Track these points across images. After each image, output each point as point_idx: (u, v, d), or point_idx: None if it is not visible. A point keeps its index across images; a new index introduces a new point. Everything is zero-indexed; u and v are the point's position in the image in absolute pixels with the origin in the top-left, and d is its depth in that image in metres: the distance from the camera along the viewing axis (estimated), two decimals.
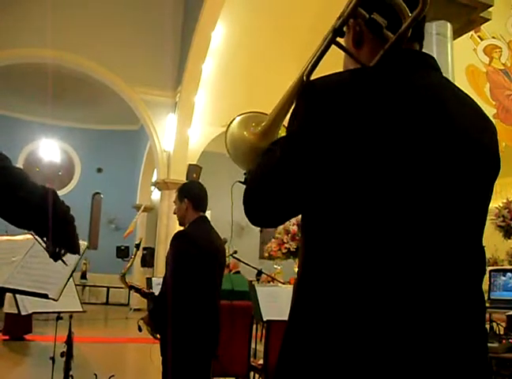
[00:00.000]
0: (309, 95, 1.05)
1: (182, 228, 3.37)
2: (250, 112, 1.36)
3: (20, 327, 8.56)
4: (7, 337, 8.63)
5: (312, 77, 1.13)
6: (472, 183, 1.06)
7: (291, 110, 1.15)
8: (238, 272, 9.80)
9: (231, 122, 1.35)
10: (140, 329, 3.35)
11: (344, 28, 1.14)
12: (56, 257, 1.51)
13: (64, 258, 1.55)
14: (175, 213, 3.40)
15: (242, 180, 1.25)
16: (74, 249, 1.54)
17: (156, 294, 3.41)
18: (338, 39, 1.14)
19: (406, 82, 1.06)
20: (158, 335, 3.25)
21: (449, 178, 1.02)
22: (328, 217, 1.01)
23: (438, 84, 1.11)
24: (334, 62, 1.31)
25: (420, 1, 1.04)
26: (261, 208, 1.11)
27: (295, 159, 1.03)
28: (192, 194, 3.29)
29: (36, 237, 1.48)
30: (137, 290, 3.64)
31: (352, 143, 0.98)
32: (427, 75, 1.10)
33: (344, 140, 0.98)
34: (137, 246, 4.02)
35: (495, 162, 1.13)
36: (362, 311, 0.94)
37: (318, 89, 1.04)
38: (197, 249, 3.06)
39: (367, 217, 0.97)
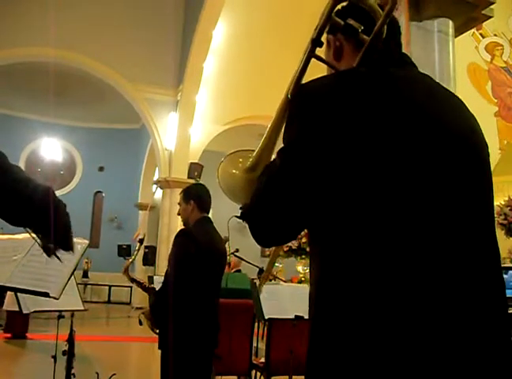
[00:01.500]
0: (301, 100, 1.05)
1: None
2: (231, 153, 1.34)
3: (19, 325, 8.58)
4: (9, 335, 8.66)
5: None
6: (469, 175, 1.06)
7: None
8: (238, 271, 9.81)
9: (217, 171, 1.33)
10: (140, 323, 3.39)
11: (325, 45, 1.18)
12: (49, 251, 1.52)
13: (59, 255, 1.57)
14: (179, 214, 3.45)
15: (239, 215, 1.21)
16: (69, 246, 1.55)
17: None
18: (318, 52, 1.16)
19: (390, 78, 1.07)
20: (157, 331, 3.28)
21: (448, 173, 1.02)
22: (337, 222, 1.00)
23: (420, 80, 1.14)
24: None
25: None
26: (269, 223, 1.07)
27: (298, 166, 1.01)
28: (198, 196, 3.37)
29: (31, 233, 1.49)
30: (139, 284, 3.69)
31: (349, 144, 0.98)
32: (408, 71, 1.14)
33: (342, 141, 0.98)
34: (141, 242, 4.04)
35: (486, 150, 1.14)
36: (384, 312, 0.94)
37: (309, 93, 1.05)
38: (198, 247, 3.09)
39: (376, 219, 0.97)
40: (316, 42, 1.14)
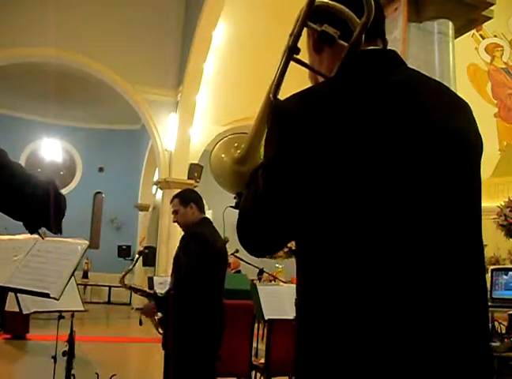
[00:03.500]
0: (278, 118, 1.05)
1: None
2: (230, 135, 1.37)
3: (19, 325, 8.55)
4: (9, 336, 8.63)
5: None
6: (458, 177, 1.04)
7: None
8: (238, 271, 9.81)
9: (211, 151, 1.35)
10: (141, 323, 3.38)
11: (306, 34, 1.15)
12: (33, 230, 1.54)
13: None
14: (175, 222, 3.42)
15: (233, 205, 1.26)
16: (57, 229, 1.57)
17: (160, 291, 3.43)
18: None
19: (371, 85, 1.04)
20: (161, 331, 3.28)
21: (435, 178, 1.01)
22: (321, 233, 1.00)
23: (406, 78, 1.09)
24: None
25: (365, 9, 1.04)
26: (256, 239, 1.11)
27: (278, 186, 1.02)
28: (196, 199, 3.40)
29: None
30: (139, 291, 3.64)
31: (330, 158, 0.97)
32: (392, 71, 1.09)
33: (322, 158, 0.98)
34: (140, 253, 4.07)
35: (477, 148, 1.11)
36: (367, 320, 0.94)
37: (285, 111, 1.04)
38: (209, 249, 3.10)
39: (360, 229, 0.96)
40: (292, 49, 1.12)
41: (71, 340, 3.78)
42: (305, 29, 1.14)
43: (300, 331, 1.05)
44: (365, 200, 0.96)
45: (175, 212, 3.40)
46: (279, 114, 1.05)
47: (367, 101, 1.01)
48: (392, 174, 0.98)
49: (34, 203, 1.42)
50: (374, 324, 0.94)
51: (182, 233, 3.41)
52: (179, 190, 3.69)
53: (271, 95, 1.17)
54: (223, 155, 1.32)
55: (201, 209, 3.39)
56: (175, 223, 3.42)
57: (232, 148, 1.32)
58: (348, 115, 0.99)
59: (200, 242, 3.11)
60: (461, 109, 1.13)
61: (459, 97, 1.15)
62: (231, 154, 1.31)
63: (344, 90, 1.02)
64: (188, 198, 3.38)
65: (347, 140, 0.97)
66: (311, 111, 1.00)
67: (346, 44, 1.08)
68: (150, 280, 4.90)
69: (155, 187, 16.11)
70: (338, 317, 0.96)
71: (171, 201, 3.46)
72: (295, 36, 1.12)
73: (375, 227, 0.96)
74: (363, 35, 1.08)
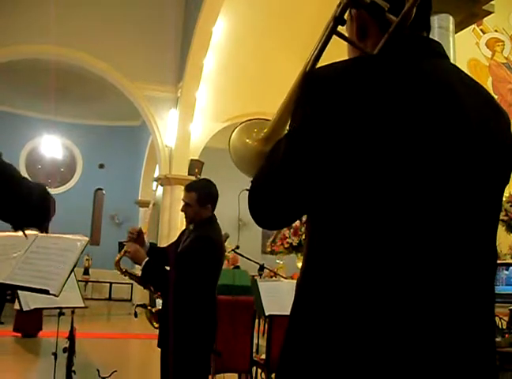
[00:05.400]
0: (310, 85, 1.01)
1: (185, 224, 3.37)
2: (249, 120, 1.32)
3: (31, 324, 8.46)
4: (19, 334, 8.54)
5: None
6: (482, 175, 1.01)
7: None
8: (237, 267, 9.82)
9: (231, 135, 1.30)
10: (136, 315, 3.35)
11: (347, 20, 1.10)
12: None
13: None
14: (182, 211, 3.26)
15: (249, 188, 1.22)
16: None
17: None
18: (340, 28, 1.09)
19: (411, 69, 1.02)
20: (156, 324, 3.26)
21: (458, 170, 0.98)
22: (333, 212, 0.98)
23: (445, 70, 1.06)
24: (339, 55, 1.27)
25: None
26: (268, 207, 1.07)
27: (300, 153, 0.99)
28: (214, 199, 3.23)
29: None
30: (133, 277, 3.61)
31: (357, 133, 0.95)
32: (435, 61, 1.06)
33: (348, 131, 0.95)
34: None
35: (508, 152, 1.08)
36: (366, 307, 0.92)
37: (319, 79, 1.01)
38: (217, 254, 3.09)
39: (373, 212, 0.94)
40: (338, 20, 1.07)
41: (72, 337, 3.78)
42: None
43: (294, 312, 1.03)
44: (382, 183, 0.94)
45: (187, 205, 3.19)
46: (311, 80, 1.02)
47: (402, 86, 0.98)
48: (414, 161, 0.95)
49: (31, 205, 1.40)
50: (373, 314, 0.92)
51: (183, 228, 3.37)
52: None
53: (307, 69, 1.12)
54: (247, 140, 1.27)
55: (215, 207, 3.24)
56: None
57: (254, 132, 1.27)
58: (382, 95, 0.96)
59: (207, 247, 3.03)
60: (498, 113, 1.10)
61: (498, 104, 1.12)
62: (254, 137, 1.26)
63: (383, 69, 1.00)
64: (207, 199, 3.18)
65: (375, 118, 0.95)
66: (345, 82, 0.98)
67: (395, 18, 1.03)
68: None
69: (155, 183, 16.09)
70: (339, 303, 0.94)
71: (188, 190, 3.21)
72: (344, 6, 1.06)
73: (387, 213, 0.94)
74: (409, 27, 1.04)
